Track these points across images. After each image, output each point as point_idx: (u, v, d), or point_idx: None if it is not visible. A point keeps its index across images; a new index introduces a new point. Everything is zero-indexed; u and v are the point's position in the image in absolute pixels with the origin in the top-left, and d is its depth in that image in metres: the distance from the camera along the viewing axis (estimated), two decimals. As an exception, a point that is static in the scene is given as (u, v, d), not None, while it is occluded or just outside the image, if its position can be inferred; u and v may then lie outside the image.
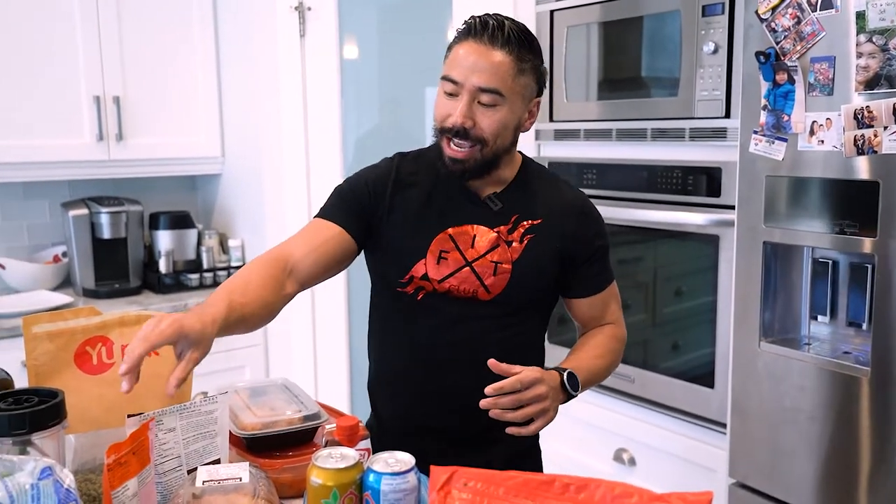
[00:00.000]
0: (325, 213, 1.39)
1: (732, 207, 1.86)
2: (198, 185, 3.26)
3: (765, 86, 1.70)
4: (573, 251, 1.41)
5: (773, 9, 1.65)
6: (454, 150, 1.31)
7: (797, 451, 1.71)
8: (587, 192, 2.31)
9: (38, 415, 1.01)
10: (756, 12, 1.69)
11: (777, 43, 1.66)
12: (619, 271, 2.31)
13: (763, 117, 1.70)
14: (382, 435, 1.40)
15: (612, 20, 2.20)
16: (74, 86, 2.65)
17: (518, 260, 1.36)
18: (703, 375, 2.05)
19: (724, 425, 1.95)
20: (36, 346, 1.17)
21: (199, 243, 2.98)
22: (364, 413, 1.52)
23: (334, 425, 1.15)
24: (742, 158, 1.77)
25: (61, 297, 2.60)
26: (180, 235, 2.92)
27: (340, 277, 2.75)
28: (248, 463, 1.05)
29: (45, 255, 2.87)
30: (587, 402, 2.37)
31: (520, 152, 1.46)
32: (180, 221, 2.93)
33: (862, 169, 1.55)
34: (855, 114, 1.54)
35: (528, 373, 1.20)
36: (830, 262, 1.70)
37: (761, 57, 1.68)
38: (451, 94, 1.30)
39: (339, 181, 1.48)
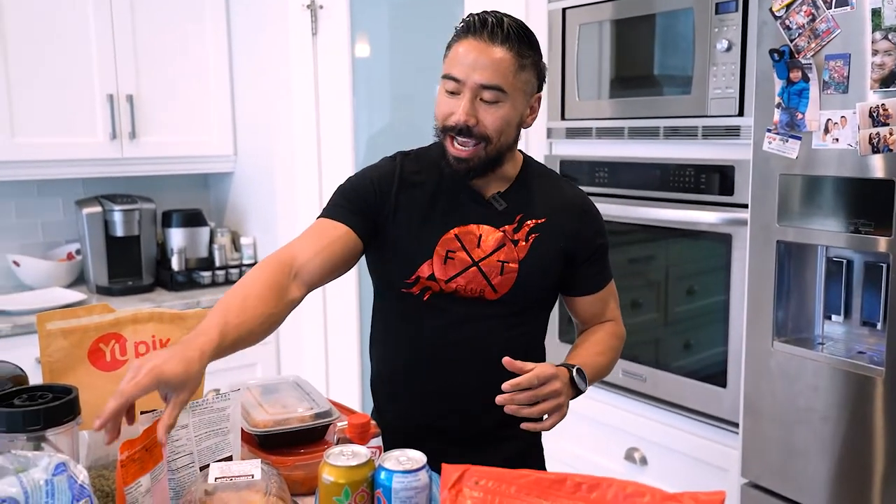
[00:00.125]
0: (330, 213, 1.37)
1: (745, 206, 1.85)
2: (210, 184, 3.27)
3: (779, 83, 1.68)
4: (575, 250, 1.41)
5: (788, 6, 1.64)
6: (458, 149, 1.31)
7: (810, 452, 1.69)
8: (599, 190, 2.31)
9: (52, 411, 1.01)
10: (770, 10, 1.67)
11: (791, 40, 1.65)
12: (631, 270, 2.30)
13: (777, 115, 1.69)
14: (385, 434, 1.40)
15: (625, 18, 2.19)
16: (88, 84, 2.66)
17: (524, 259, 1.36)
18: (716, 375, 2.04)
19: (736, 425, 1.94)
20: (50, 343, 1.18)
21: (211, 241, 2.99)
22: (374, 411, 1.52)
23: (346, 423, 1.15)
24: (755, 157, 1.76)
25: (75, 295, 2.62)
26: (193, 233, 2.93)
27: (351, 275, 2.76)
28: (260, 460, 1.06)
29: (59, 253, 2.89)
30: (599, 401, 2.37)
31: (520, 151, 1.46)
32: (193, 219, 2.94)
33: (877, 167, 1.53)
34: (870, 112, 1.52)
35: (543, 369, 1.21)
36: (845, 261, 1.69)
37: (775, 55, 1.67)
38: (452, 93, 1.30)
39: (350, 180, 1.47)
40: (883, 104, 1.50)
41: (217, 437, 1.14)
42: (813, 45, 1.61)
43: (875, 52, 1.51)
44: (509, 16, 1.30)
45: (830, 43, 1.58)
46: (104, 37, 2.67)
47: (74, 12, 2.61)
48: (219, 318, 1.12)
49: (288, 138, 2.77)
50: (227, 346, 1.11)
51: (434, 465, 1.01)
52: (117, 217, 2.78)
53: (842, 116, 1.57)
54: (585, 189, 2.30)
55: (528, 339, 1.44)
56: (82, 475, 0.92)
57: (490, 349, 1.35)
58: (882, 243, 1.54)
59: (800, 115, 1.65)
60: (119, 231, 2.79)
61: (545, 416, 1.24)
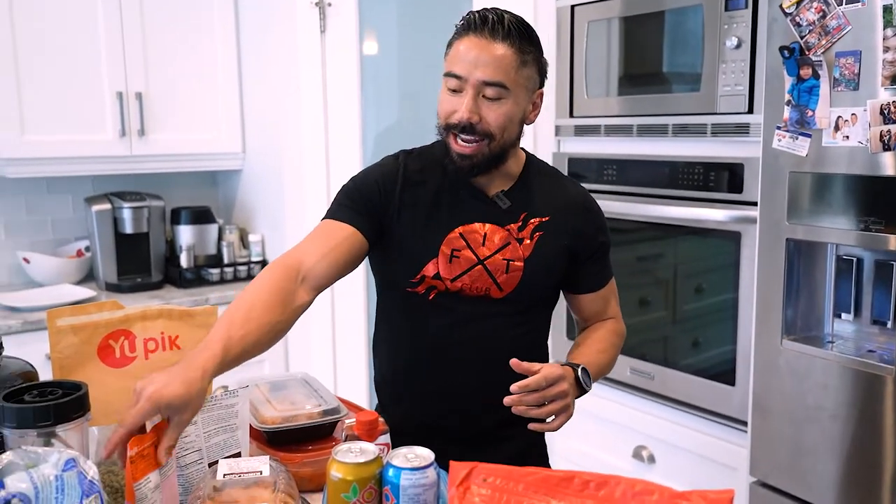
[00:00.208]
0: (335, 214, 1.36)
1: (755, 204, 1.84)
2: (218, 181, 3.28)
3: (789, 81, 1.68)
4: (578, 248, 1.41)
5: (798, 3, 1.63)
6: (462, 146, 1.31)
7: (819, 450, 1.69)
8: (607, 187, 2.31)
9: (62, 407, 1.02)
10: (780, 6, 1.67)
11: (802, 37, 1.64)
12: (639, 268, 2.30)
13: (787, 113, 1.68)
14: (389, 433, 1.41)
15: (634, 15, 2.19)
16: (97, 82, 2.67)
17: (529, 257, 1.36)
18: (724, 373, 2.04)
19: (744, 423, 1.93)
20: (60, 340, 1.19)
21: (219, 238, 3.00)
22: (383, 408, 1.52)
23: (354, 420, 1.15)
24: (765, 154, 1.75)
25: (84, 291, 2.63)
26: (201, 230, 2.94)
27: (360, 273, 2.76)
28: (268, 456, 1.06)
29: (69, 250, 2.90)
30: (606, 399, 2.36)
31: (522, 148, 1.45)
32: (201, 216, 2.95)
33: (888, 165, 1.52)
34: (881, 109, 1.51)
35: (551, 370, 1.20)
36: (855, 259, 1.68)
37: (785, 52, 1.66)
38: (454, 90, 1.30)
39: (358, 177, 1.46)
40: (894, 101, 1.49)
41: (226, 434, 1.15)
42: (823, 42, 1.60)
43: (886, 49, 1.50)
44: (509, 12, 1.30)
45: (841, 40, 1.57)
46: (113, 34, 2.68)
47: (84, 10, 2.62)
48: (222, 332, 1.11)
49: (296, 136, 2.77)
50: (231, 359, 1.10)
51: (438, 463, 1.01)
52: (126, 214, 2.79)
53: (852, 114, 1.56)
54: (594, 187, 2.31)
55: (533, 337, 1.44)
56: (92, 471, 0.92)
57: (495, 348, 1.35)
58: (892, 241, 1.53)
59: (810, 113, 1.64)
60: (128, 228, 2.80)
61: (552, 417, 1.24)
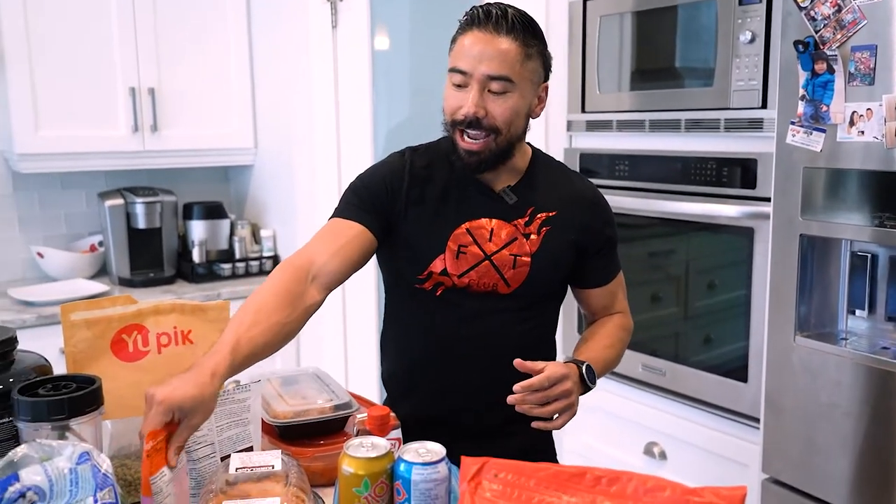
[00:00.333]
0: (343, 213, 1.36)
1: (768, 200, 1.83)
2: (230, 176, 3.29)
3: (803, 75, 1.66)
4: (586, 242, 1.41)
5: (813, -3, 1.62)
6: (468, 142, 1.31)
7: (832, 448, 1.68)
8: (619, 183, 2.30)
9: (76, 401, 1.02)
10: (795, 0, 1.65)
11: (816, 31, 1.62)
12: (651, 263, 2.29)
13: (801, 108, 1.67)
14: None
15: (646, 9, 2.18)
16: (110, 78, 2.68)
17: (536, 252, 1.36)
18: (737, 369, 2.03)
19: (757, 420, 1.92)
20: (74, 334, 1.19)
21: (231, 233, 3.01)
22: (394, 403, 1.52)
23: (365, 415, 1.16)
24: (779, 150, 1.74)
25: (97, 286, 2.65)
26: (213, 226, 2.95)
27: (371, 269, 2.76)
28: (280, 451, 1.06)
29: (82, 245, 2.92)
30: (617, 395, 2.36)
31: (528, 143, 1.45)
32: (213, 212, 2.96)
33: (903, 160, 1.51)
34: (896, 104, 1.50)
35: (554, 369, 1.21)
36: (869, 255, 1.67)
37: (800, 46, 1.65)
38: (459, 86, 1.30)
39: (370, 173, 1.46)
40: (910, 96, 1.48)
41: (238, 428, 1.15)
42: (838, 37, 1.59)
43: (902, 44, 1.48)
44: (513, 6, 1.30)
45: (857, 34, 1.56)
46: (126, 30, 2.69)
47: (97, 6, 2.63)
48: (231, 335, 1.12)
49: (307, 131, 2.77)
50: (241, 362, 1.11)
51: (447, 458, 1.01)
52: (139, 209, 2.80)
53: (867, 109, 1.55)
54: (605, 182, 2.30)
55: (540, 332, 1.44)
56: (106, 464, 0.93)
57: (502, 343, 1.35)
58: (908, 237, 1.52)
59: (824, 108, 1.63)
60: (141, 223, 2.81)
61: (556, 415, 1.24)
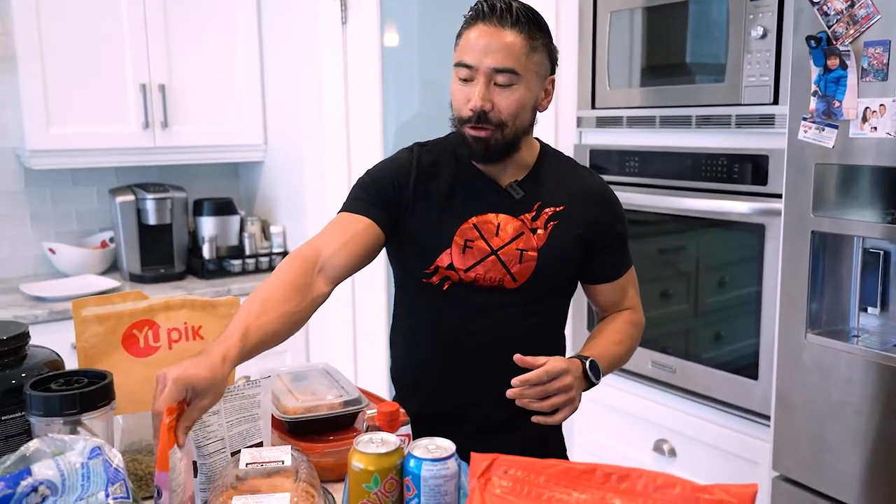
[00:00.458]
0: (351, 207, 1.37)
1: (779, 196, 1.82)
2: (240, 173, 3.29)
3: (815, 71, 1.65)
4: (594, 237, 1.40)
5: (825, -8, 1.60)
6: (476, 131, 1.31)
7: (843, 445, 1.67)
8: (629, 179, 2.29)
9: (87, 396, 1.03)
10: (807, -5, 1.64)
11: (829, 27, 1.61)
12: (661, 260, 2.28)
13: (813, 103, 1.66)
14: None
15: (657, 5, 2.16)
16: (121, 74, 2.70)
17: (543, 247, 1.36)
18: (747, 367, 2.02)
19: (767, 417, 1.91)
20: (85, 329, 1.20)
21: (241, 230, 3.02)
22: (403, 400, 1.52)
23: (375, 411, 1.16)
24: (790, 146, 1.72)
25: (108, 282, 2.66)
26: (223, 222, 2.96)
27: (380, 265, 2.76)
28: (290, 446, 1.07)
29: (93, 241, 2.93)
30: (627, 392, 2.35)
31: (536, 138, 1.45)
32: (223, 208, 2.97)
33: (916, 157, 1.50)
34: (910, 100, 1.49)
35: (554, 364, 1.21)
36: (881, 252, 1.66)
37: (812, 41, 1.64)
38: (466, 80, 1.31)
39: (379, 169, 1.47)
40: (923, 92, 1.47)
41: (248, 424, 1.16)
42: (851, 32, 1.57)
43: (916, 39, 1.47)
44: (517, 0, 1.31)
45: (870, 29, 1.54)
46: (137, 27, 2.70)
47: (108, 4, 2.64)
48: (240, 323, 1.13)
49: (317, 127, 2.78)
50: (250, 348, 1.12)
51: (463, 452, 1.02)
52: (150, 205, 2.81)
53: (881, 104, 1.54)
54: (615, 179, 2.30)
55: (547, 327, 1.44)
56: (117, 459, 0.93)
57: (509, 338, 1.35)
58: (921, 234, 1.51)
59: (837, 104, 1.61)
60: (151, 219, 2.83)
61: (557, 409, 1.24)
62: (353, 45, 2.72)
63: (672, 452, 2.25)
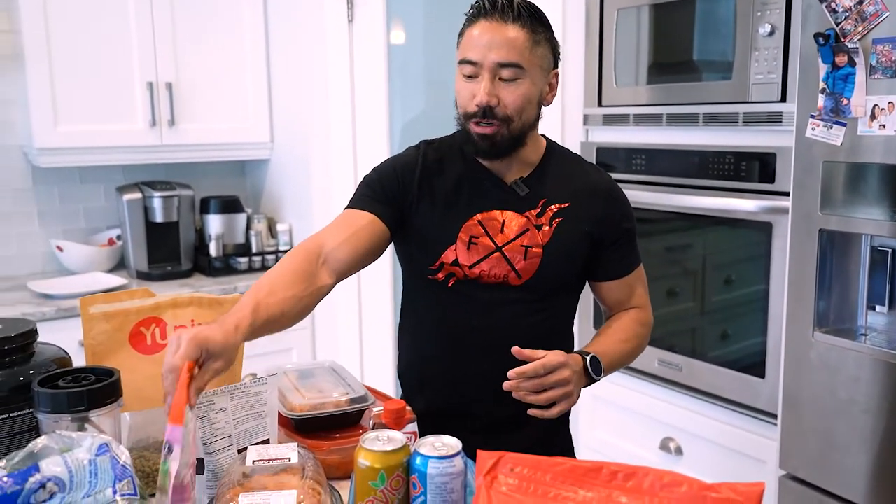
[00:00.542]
0: (355, 203, 1.39)
1: (787, 194, 1.81)
2: (247, 170, 3.30)
3: (823, 68, 1.64)
4: (600, 234, 1.40)
5: (834, -12, 1.60)
6: (482, 128, 1.32)
7: (850, 444, 1.66)
8: (636, 177, 2.29)
9: (95, 393, 1.04)
10: (815, -8, 1.63)
11: (837, 24, 1.60)
12: (668, 258, 2.28)
13: (821, 101, 1.65)
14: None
15: (663, 2, 2.16)
16: (128, 73, 2.70)
17: (548, 244, 1.36)
18: (754, 365, 2.01)
19: (774, 416, 1.91)
20: (93, 327, 1.20)
21: (248, 227, 3.02)
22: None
23: (381, 408, 1.16)
24: (798, 143, 1.72)
25: (116, 279, 2.67)
26: (230, 219, 2.96)
27: (386, 263, 2.77)
28: (296, 444, 1.07)
29: (101, 238, 2.94)
30: (633, 390, 2.35)
31: (543, 136, 1.46)
32: (230, 206, 2.97)
33: (925, 154, 1.49)
34: (919, 97, 1.48)
35: (551, 357, 1.21)
36: (890, 250, 1.65)
37: (820, 39, 1.63)
38: (470, 77, 1.31)
39: (385, 167, 1.48)
40: (932, 89, 1.46)
41: (254, 421, 1.16)
42: (860, 29, 1.57)
43: (925, 36, 1.46)
44: None
45: (878, 26, 1.54)
46: (144, 25, 2.70)
47: (115, 1, 2.65)
48: (251, 299, 1.15)
49: (324, 125, 2.78)
50: (260, 324, 1.14)
51: (463, 451, 1.02)
52: (157, 203, 2.82)
53: (889, 102, 1.53)
54: (622, 176, 2.29)
55: (553, 324, 1.43)
56: (124, 456, 0.94)
57: (513, 335, 1.35)
58: (929, 232, 1.50)
59: (845, 101, 1.61)
60: (158, 217, 2.83)
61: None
62: (360, 43, 2.72)
63: (678, 451, 2.25)
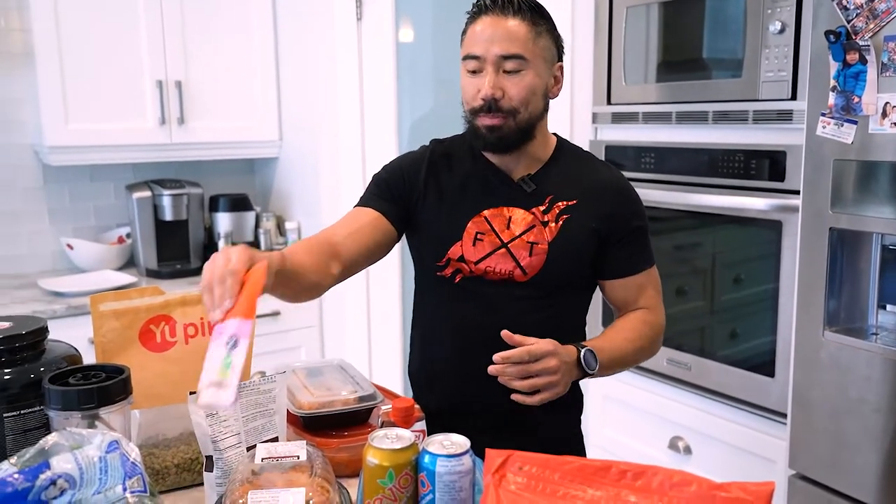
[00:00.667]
0: (363, 201, 1.43)
1: (797, 192, 1.80)
2: (256, 169, 3.31)
3: (834, 66, 1.64)
4: (608, 231, 1.39)
5: (845, -15, 1.59)
6: (489, 120, 1.33)
7: (861, 444, 1.66)
8: (645, 175, 2.28)
9: (105, 390, 1.04)
10: (826, -11, 1.62)
11: (848, 21, 1.59)
12: (677, 257, 2.27)
13: (832, 99, 1.64)
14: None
15: (673, 0, 2.15)
16: (138, 71, 2.71)
17: (554, 240, 1.36)
18: (764, 364, 2.01)
19: (784, 415, 1.90)
20: (103, 324, 1.21)
21: (256, 225, 3.03)
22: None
23: (390, 406, 1.16)
24: (809, 142, 1.71)
25: (125, 277, 2.68)
26: (239, 218, 2.97)
27: (394, 261, 2.77)
28: (305, 441, 1.07)
29: (111, 236, 2.96)
30: (642, 389, 2.34)
31: (555, 134, 1.46)
32: (239, 204, 2.98)
33: (937, 152, 1.48)
34: (931, 95, 1.47)
35: (540, 345, 1.21)
36: (901, 249, 1.64)
37: (831, 36, 1.62)
38: (474, 73, 1.33)
39: (394, 165, 1.49)
40: (945, 87, 1.45)
41: (263, 419, 1.16)
42: (871, 26, 1.56)
43: (937, 33, 1.45)
44: None
45: (890, 23, 1.52)
46: (153, 24, 2.71)
47: (125, 1, 2.66)
48: (278, 252, 1.18)
49: (332, 124, 2.78)
50: (290, 267, 1.17)
51: (472, 450, 1.01)
52: (166, 201, 2.83)
53: (900, 100, 1.52)
54: (631, 175, 2.29)
55: (559, 321, 1.41)
56: (134, 453, 0.94)
57: (520, 332, 1.35)
58: (941, 231, 1.49)
59: (856, 99, 1.60)
60: (168, 215, 2.84)
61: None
62: (368, 42, 2.72)
63: (687, 450, 2.24)
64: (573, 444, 1.51)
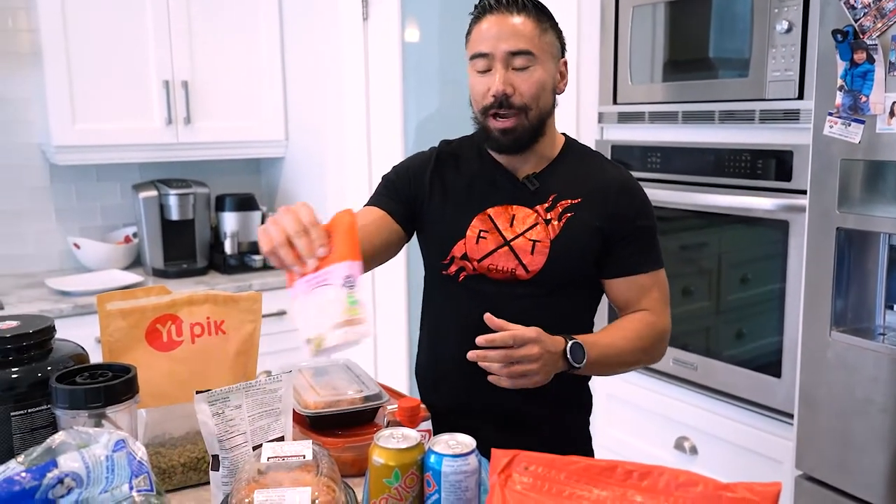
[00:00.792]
0: (371, 201, 1.45)
1: (804, 192, 1.80)
2: (262, 168, 3.31)
3: (841, 65, 1.63)
4: (611, 230, 1.38)
5: (852, -15, 1.58)
6: (501, 121, 1.33)
7: (868, 444, 1.65)
8: (651, 175, 2.27)
9: (112, 389, 1.04)
10: (833, -12, 1.62)
11: (856, 20, 1.59)
12: (683, 257, 2.26)
13: (839, 98, 1.64)
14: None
15: (680, -1, 2.15)
16: (145, 71, 2.72)
17: (556, 238, 1.36)
18: (770, 364, 2.00)
19: (790, 416, 1.90)
20: (110, 323, 1.21)
21: (263, 225, 3.03)
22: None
23: (396, 406, 1.16)
24: (816, 141, 1.70)
25: (132, 277, 2.69)
26: (245, 217, 2.98)
27: (400, 262, 2.77)
28: (311, 441, 1.07)
29: (117, 236, 2.97)
30: (648, 389, 2.34)
31: (564, 133, 1.47)
32: (245, 203, 2.99)
33: (945, 152, 1.47)
34: (939, 94, 1.46)
35: (524, 331, 1.19)
36: (908, 249, 1.63)
37: (839, 35, 1.62)
38: (483, 72, 1.34)
39: (401, 165, 1.50)
40: (953, 86, 1.44)
41: (269, 418, 1.16)
42: (879, 25, 1.55)
43: (945, 32, 1.44)
44: None
45: (897, 22, 1.52)
46: (160, 24, 2.72)
47: (132, 1, 2.67)
48: None
49: (338, 123, 2.78)
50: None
51: (477, 449, 1.02)
52: (172, 201, 2.84)
53: (908, 99, 1.51)
54: (637, 174, 2.27)
55: (563, 320, 1.39)
56: (140, 452, 0.94)
57: None
58: (949, 231, 1.49)
59: (863, 98, 1.59)
60: (174, 215, 2.85)
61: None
62: (374, 41, 2.72)
63: (693, 450, 2.24)
64: (580, 444, 1.50)
